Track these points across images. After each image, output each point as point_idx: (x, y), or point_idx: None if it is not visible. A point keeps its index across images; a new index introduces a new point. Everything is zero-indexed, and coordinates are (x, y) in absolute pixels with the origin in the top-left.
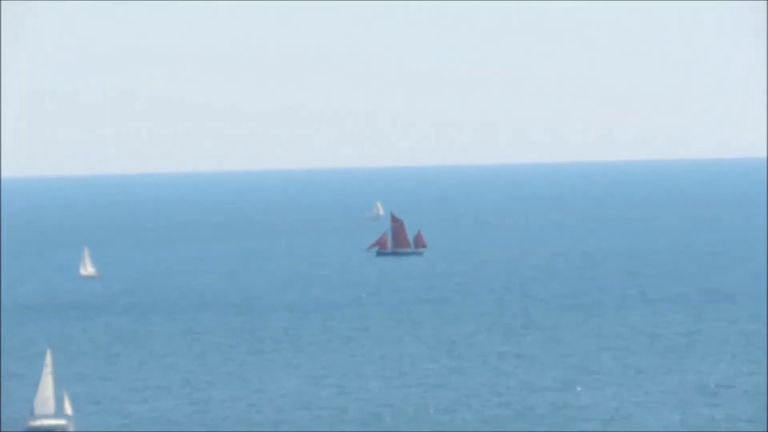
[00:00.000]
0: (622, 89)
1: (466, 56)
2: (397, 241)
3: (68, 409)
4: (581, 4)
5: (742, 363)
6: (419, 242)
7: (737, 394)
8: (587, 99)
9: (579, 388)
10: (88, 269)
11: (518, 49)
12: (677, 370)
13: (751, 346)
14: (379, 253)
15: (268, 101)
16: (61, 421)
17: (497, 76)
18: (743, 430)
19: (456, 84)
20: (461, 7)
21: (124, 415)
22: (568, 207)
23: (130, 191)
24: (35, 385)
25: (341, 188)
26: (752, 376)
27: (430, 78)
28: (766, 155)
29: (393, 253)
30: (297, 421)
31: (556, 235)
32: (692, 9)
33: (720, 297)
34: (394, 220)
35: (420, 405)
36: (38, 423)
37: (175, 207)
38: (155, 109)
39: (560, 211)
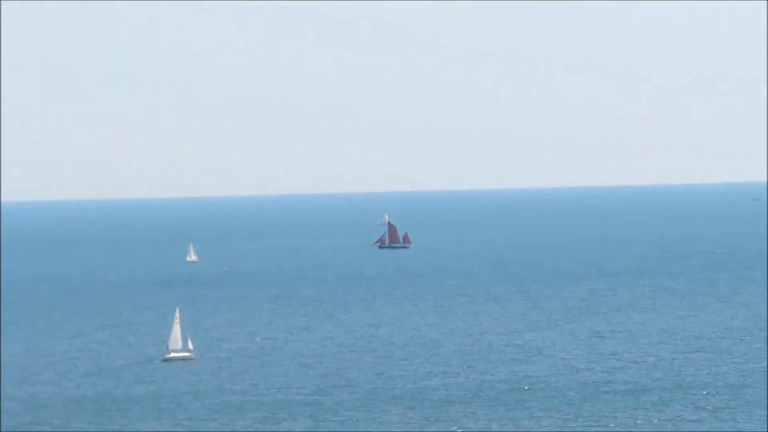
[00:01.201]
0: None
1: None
2: (392, 239)
3: (190, 345)
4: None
5: (623, 318)
6: (406, 240)
7: (619, 336)
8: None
9: (531, 336)
10: (192, 257)
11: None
12: (579, 321)
13: (628, 308)
14: (380, 247)
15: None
16: (186, 353)
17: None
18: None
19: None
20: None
21: (224, 350)
22: (523, 221)
23: (210, 209)
24: (168, 330)
25: (362, 206)
26: (630, 324)
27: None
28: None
29: (389, 247)
30: (336, 354)
31: (504, 238)
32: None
33: (608, 275)
34: (390, 225)
35: (415, 343)
36: (171, 355)
37: (246, 220)
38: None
39: (513, 223)
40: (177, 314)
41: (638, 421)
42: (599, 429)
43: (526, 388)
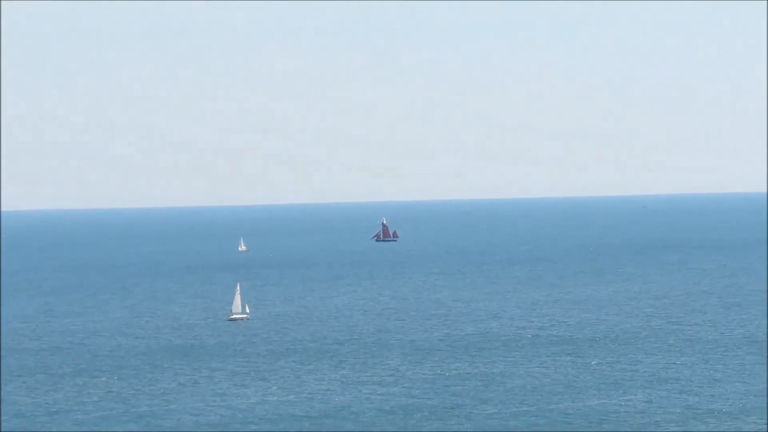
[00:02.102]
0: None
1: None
2: (385, 235)
3: (247, 309)
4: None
5: (554, 291)
6: (395, 235)
7: (551, 304)
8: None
9: (488, 303)
10: (242, 247)
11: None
12: (522, 292)
13: (557, 284)
14: (377, 240)
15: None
16: (244, 315)
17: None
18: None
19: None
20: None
21: (271, 313)
22: (485, 223)
23: (250, 216)
24: (231, 299)
25: (364, 212)
26: (559, 295)
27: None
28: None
29: (383, 240)
30: (349, 316)
31: (468, 235)
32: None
33: (544, 260)
34: (383, 224)
35: (404, 308)
36: (233, 316)
37: (278, 220)
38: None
39: (477, 224)
40: (237, 288)
41: (563, 363)
42: (537, 368)
43: (485, 340)
